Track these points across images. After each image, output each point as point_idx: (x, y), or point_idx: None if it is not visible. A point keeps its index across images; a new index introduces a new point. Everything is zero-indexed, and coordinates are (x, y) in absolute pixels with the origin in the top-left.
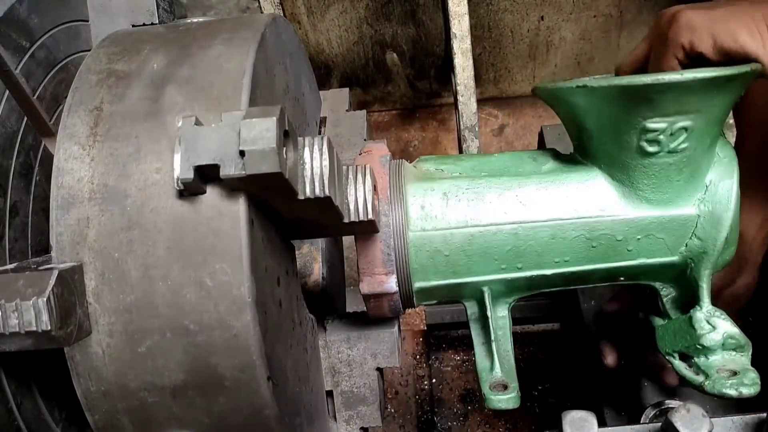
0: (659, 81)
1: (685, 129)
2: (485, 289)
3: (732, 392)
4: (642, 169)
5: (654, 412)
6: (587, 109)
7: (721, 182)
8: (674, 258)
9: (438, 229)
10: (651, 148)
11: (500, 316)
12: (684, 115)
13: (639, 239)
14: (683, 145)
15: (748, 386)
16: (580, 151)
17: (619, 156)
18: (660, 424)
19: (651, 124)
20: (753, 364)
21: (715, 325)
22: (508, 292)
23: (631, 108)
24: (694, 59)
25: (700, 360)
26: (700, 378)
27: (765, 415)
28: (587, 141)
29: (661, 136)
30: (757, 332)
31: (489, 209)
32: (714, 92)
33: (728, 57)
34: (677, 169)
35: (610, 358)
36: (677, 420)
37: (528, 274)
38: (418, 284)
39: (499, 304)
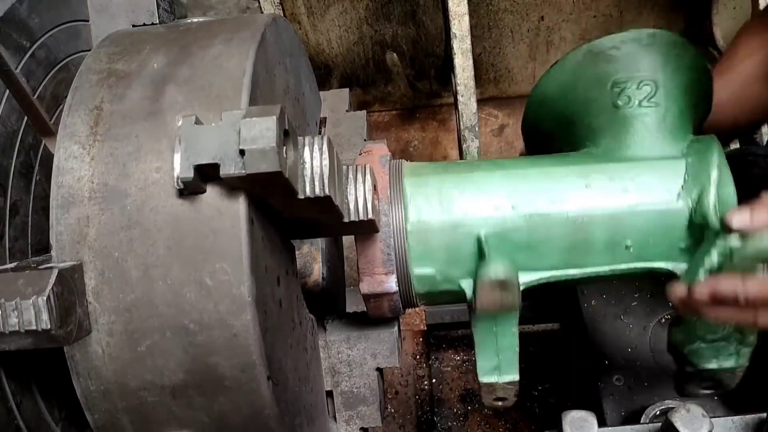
0: (613, 38)
1: (648, 84)
2: (482, 233)
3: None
4: (622, 125)
5: (654, 412)
6: (563, 90)
7: (701, 141)
8: (676, 204)
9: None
10: (622, 101)
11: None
12: (643, 72)
13: (632, 180)
14: (653, 100)
15: None
16: (567, 149)
17: (600, 121)
18: (660, 424)
19: (618, 78)
20: (755, 365)
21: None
22: (504, 244)
23: (597, 69)
24: None
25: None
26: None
27: (765, 415)
28: (572, 131)
29: (630, 90)
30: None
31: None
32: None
33: None
34: (653, 122)
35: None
36: (677, 420)
37: (525, 212)
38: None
39: None
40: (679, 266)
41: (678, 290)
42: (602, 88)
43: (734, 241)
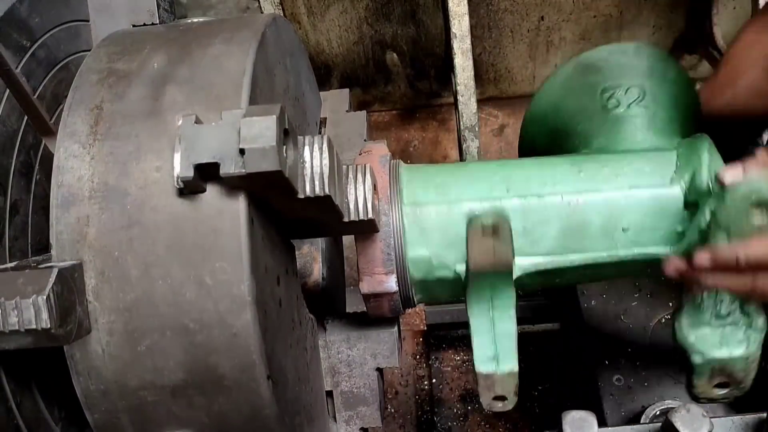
0: (601, 49)
1: (636, 89)
2: (476, 214)
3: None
4: (613, 126)
5: (654, 412)
6: (555, 104)
7: (692, 137)
8: (670, 189)
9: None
10: (611, 104)
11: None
12: (631, 79)
13: (625, 166)
14: (642, 103)
15: None
16: (564, 145)
17: (592, 125)
18: (660, 424)
19: (607, 85)
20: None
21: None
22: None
23: (587, 79)
24: None
25: None
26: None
27: (765, 415)
28: (567, 140)
29: (618, 94)
30: None
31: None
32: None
33: None
34: (643, 121)
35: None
36: (677, 420)
37: (520, 194)
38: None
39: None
40: (677, 253)
41: (675, 261)
42: (592, 95)
43: (728, 187)
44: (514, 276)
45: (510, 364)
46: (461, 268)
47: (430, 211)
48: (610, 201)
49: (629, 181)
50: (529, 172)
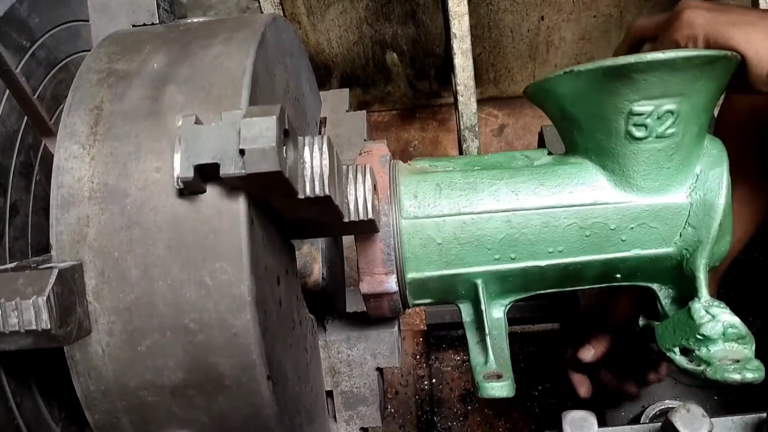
0: (641, 60)
1: (672, 113)
2: (479, 282)
3: (736, 377)
4: (632, 156)
5: (654, 412)
6: (575, 97)
7: (711, 171)
8: (669, 249)
9: (431, 216)
10: (639, 133)
11: (495, 318)
12: (669, 98)
13: (632, 228)
14: (671, 130)
15: (752, 371)
16: (571, 147)
17: (609, 144)
18: (660, 424)
19: (637, 107)
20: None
21: (715, 315)
22: (503, 290)
23: (616, 90)
24: None
25: (702, 352)
26: (701, 367)
27: (765, 415)
28: (577, 134)
29: (648, 120)
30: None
31: (481, 197)
32: (697, 74)
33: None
34: (666, 155)
35: (583, 389)
36: (677, 420)
37: (522, 265)
38: (410, 275)
39: (494, 306)
40: (659, 287)
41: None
42: (618, 113)
43: (709, 371)
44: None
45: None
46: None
47: (433, 277)
48: (610, 262)
49: (635, 248)
50: (537, 237)
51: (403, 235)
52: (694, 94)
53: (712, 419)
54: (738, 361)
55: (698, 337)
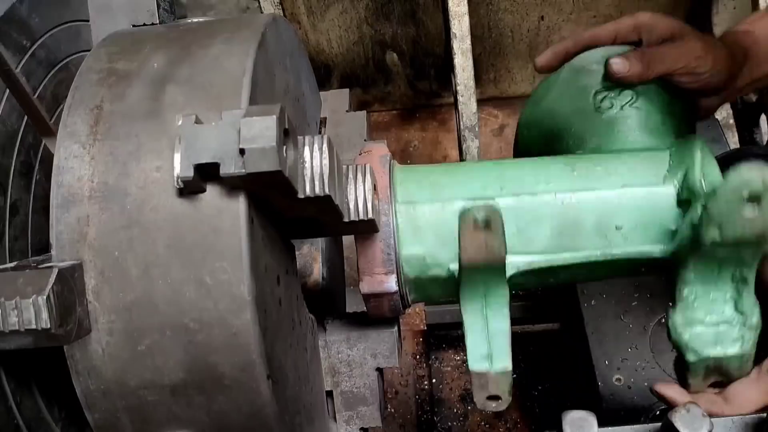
0: (593, 55)
1: (629, 91)
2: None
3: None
4: (606, 128)
5: (654, 412)
6: (553, 105)
7: (685, 138)
8: (663, 187)
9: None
10: (605, 104)
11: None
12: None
13: (618, 165)
14: (635, 105)
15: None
16: (561, 147)
17: (585, 125)
18: (660, 424)
19: (601, 87)
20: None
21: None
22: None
23: (582, 82)
24: None
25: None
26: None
27: (765, 415)
28: (560, 143)
29: (612, 94)
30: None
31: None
32: None
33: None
34: (635, 125)
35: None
36: (677, 420)
37: (513, 192)
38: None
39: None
40: (670, 251)
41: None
42: (585, 98)
43: (717, 183)
44: (508, 274)
45: (504, 362)
46: (454, 266)
47: (424, 210)
48: (604, 199)
49: (622, 179)
50: (523, 171)
51: (396, 175)
52: (646, 89)
53: (712, 419)
54: None
55: (704, 190)
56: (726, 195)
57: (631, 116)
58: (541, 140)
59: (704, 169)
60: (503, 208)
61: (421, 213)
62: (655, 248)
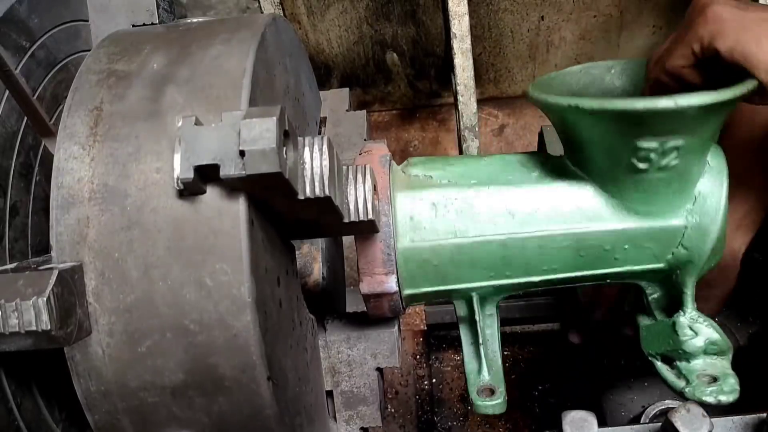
0: (652, 108)
1: (677, 148)
2: (473, 294)
3: (711, 399)
4: (632, 184)
5: (654, 412)
6: (579, 124)
7: (710, 194)
8: (660, 265)
9: (427, 240)
10: (642, 165)
11: (488, 314)
12: (675, 135)
13: (626, 248)
14: (674, 163)
15: (727, 394)
16: (570, 156)
17: (610, 170)
18: (660, 424)
19: (643, 144)
20: (755, 365)
21: (698, 331)
22: (497, 294)
23: (623, 129)
24: (708, 57)
25: (682, 364)
26: (681, 383)
27: (765, 415)
28: (578, 151)
29: (653, 155)
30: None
31: (478, 221)
32: (708, 114)
33: (742, 64)
34: (666, 183)
35: (575, 338)
36: (677, 420)
37: (516, 281)
38: (407, 291)
39: (487, 303)
40: (647, 284)
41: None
42: (623, 146)
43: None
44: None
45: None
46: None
47: (430, 292)
48: (602, 277)
49: (627, 265)
50: (533, 258)
51: (399, 257)
52: (702, 129)
53: (712, 419)
54: (716, 379)
55: (680, 351)
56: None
57: (664, 178)
58: (556, 122)
59: (705, 265)
60: (506, 285)
61: (425, 294)
62: (635, 281)
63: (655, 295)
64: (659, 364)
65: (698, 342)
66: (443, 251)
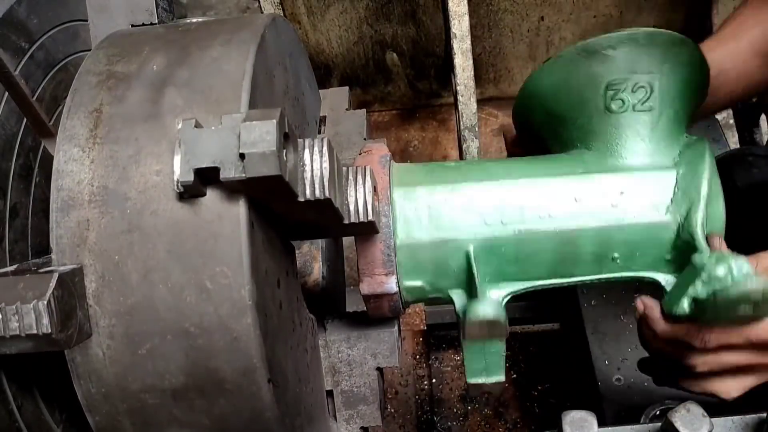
0: (609, 36)
1: (644, 88)
2: (470, 250)
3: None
4: (614, 130)
5: (654, 411)
6: (556, 90)
7: (692, 151)
8: (663, 218)
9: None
10: (616, 106)
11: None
12: (640, 74)
13: (622, 194)
14: (647, 104)
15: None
16: (559, 148)
17: (592, 124)
18: (660, 424)
19: (613, 78)
20: None
21: (719, 258)
22: (497, 272)
23: (591, 70)
24: None
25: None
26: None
27: (765, 415)
28: (563, 130)
29: (624, 93)
30: None
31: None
32: (662, 55)
33: None
34: (646, 128)
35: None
36: (677, 420)
37: (512, 229)
38: (401, 239)
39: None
40: (664, 277)
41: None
42: (596, 89)
43: (718, 282)
44: (503, 302)
45: (497, 376)
46: (455, 294)
47: (425, 246)
48: (604, 232)
49: (625, 211)
50: (525, 201)
51: (395, 201)
52: (664, 75)
53: (712, 419)
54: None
55: (704, 280)
56: (725, 301)
57: (642, 119)
58: (542, 115)
59: (709, 210)
60: (504, 240)
61: (422, 249)
62: (648, 274)
63: (671, 281)
64: (686, 306)
65: (721, 268)
66: (437, 193)
